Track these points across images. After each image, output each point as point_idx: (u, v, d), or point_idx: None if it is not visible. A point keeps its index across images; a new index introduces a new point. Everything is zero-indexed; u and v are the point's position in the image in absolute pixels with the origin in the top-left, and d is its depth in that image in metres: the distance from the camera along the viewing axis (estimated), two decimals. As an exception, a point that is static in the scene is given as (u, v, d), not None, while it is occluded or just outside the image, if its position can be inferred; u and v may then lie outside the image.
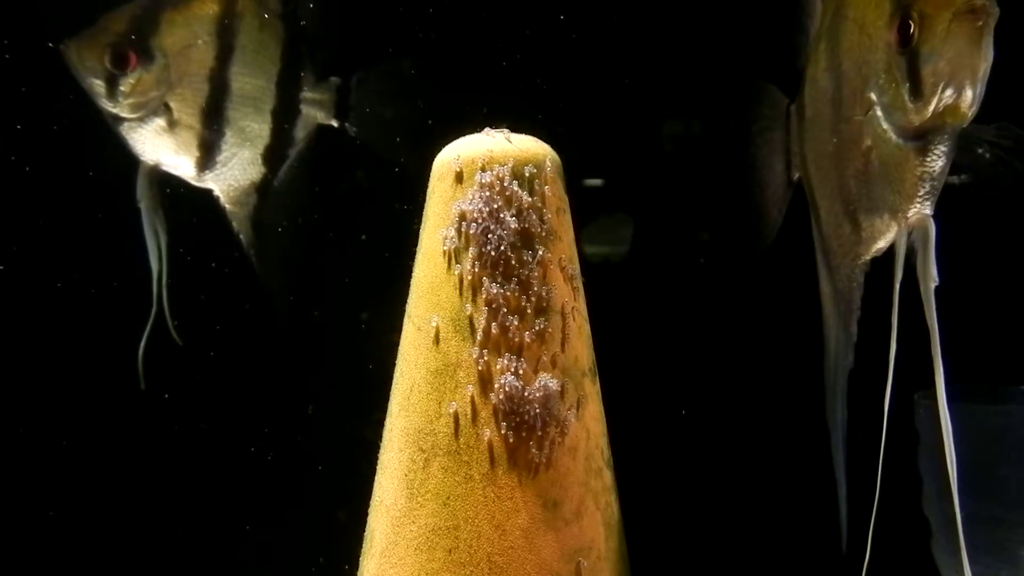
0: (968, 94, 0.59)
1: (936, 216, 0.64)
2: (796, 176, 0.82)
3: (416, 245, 0.62)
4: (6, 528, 0.98)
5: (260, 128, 0.90)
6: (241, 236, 0.90)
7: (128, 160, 0.88)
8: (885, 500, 0.64)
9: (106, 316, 0.98)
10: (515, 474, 0.55)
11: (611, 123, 0.98)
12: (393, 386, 0.61)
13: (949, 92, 0.59)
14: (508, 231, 0.57)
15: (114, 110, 0.85)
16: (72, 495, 1.00)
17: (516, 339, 0.56)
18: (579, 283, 0.61)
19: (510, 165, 0.58)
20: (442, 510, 0.55)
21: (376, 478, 0.61)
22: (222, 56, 0.87)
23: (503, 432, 0.55)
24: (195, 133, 0.87)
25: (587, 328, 0.61)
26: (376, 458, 0.61)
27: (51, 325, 0.99)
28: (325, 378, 1.03)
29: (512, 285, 0.57)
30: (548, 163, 0.60)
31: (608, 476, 0.60)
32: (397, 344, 0.61)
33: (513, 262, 0.57)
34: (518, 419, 0.55)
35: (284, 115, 0.91)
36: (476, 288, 0.57)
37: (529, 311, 0.57)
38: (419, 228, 0.62)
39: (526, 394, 0.56)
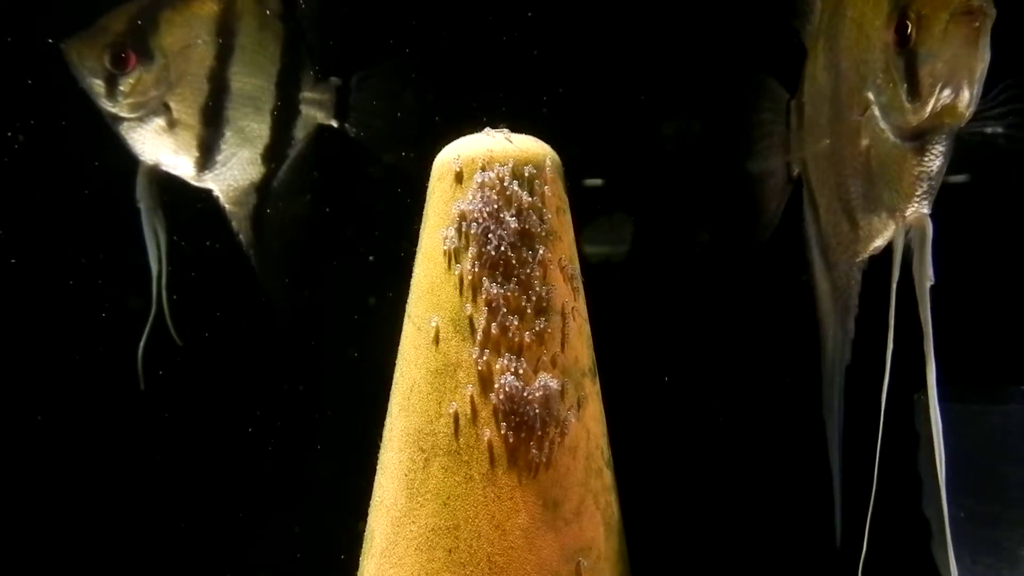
0: (965, 94, 0.59)
1: (934, 215, 0.64)
2: (796, 172, 0.82)
3: (416, 245, 0.62)
4: (6, 528, 0.98)
5: (260, 128, 0.90)
6: (241, 236, 0.90)
7: (128, 160, 0.88)
8: (886, 500, 0.64)
9: (106, 316, 0.98)
10: (515, 474, 0.55)
11: (611, 123, 0.98)
12: (393, 386, 0.61)
13: (947, 92, 0.60)
14: (508, 231, 0.57)
15: (113, 110, 0.85)
16: (72, 495, 1.01)
17: (516, 339, 0.56)
18: (579, 283, 0.61)
19: (510, 165, 0.58)
20: (442, 510, 0.55)
21: (376, 478, 0.61)
22: (222, 56, 0.87)
23: (503, 432, 0.55)
24: (194, 133, 0.87)
25: (587, 328, 0.61)
26: (376, 458, 0.61)
27: (51, 325, 0.99)
28: (324, 378, 1.03)
29: (512, 285, 0.57)
30: (548, 163, 0.60)
31: (608, 476, 0.60)
32: (397, 344, 0.61)
33: (513, 262, 0.57)
34: (518, 419, 0.55)
35: (284, 115, 0.91)
36: (476, 288, 0.57)
37: (529, 311, 0.57)
38: (419, 228, 0.62)
39: (526, 394, 0.56)
